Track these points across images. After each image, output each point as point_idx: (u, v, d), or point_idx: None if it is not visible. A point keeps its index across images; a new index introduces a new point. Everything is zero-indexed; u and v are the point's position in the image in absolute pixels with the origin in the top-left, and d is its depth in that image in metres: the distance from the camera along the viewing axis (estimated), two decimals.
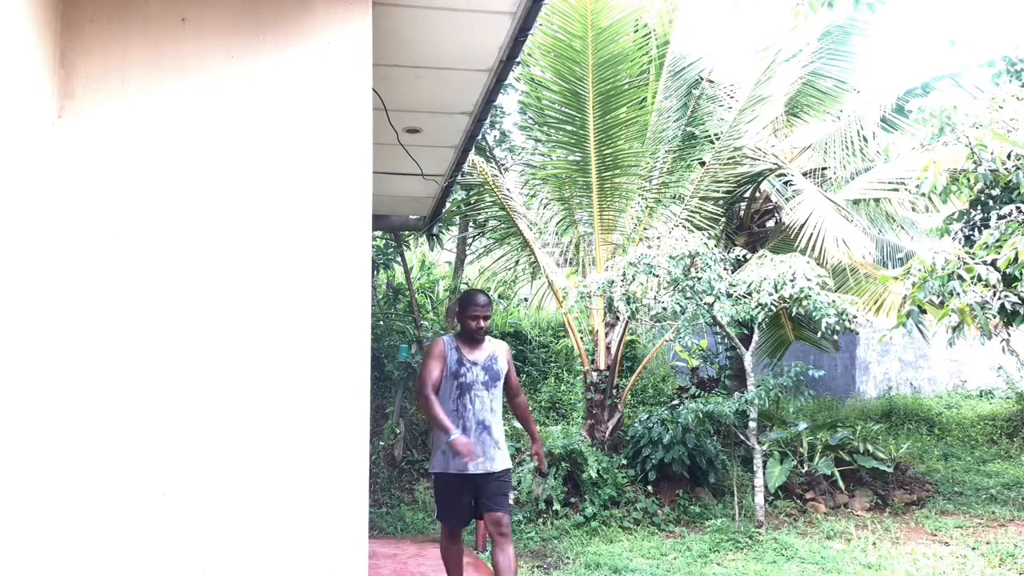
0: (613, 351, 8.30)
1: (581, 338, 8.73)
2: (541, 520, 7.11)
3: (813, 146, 9.35)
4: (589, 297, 7.28)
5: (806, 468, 8.02)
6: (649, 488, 7.57)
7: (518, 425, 7.01)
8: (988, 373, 11.63)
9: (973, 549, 6.36)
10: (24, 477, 2.46)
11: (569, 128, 7.89)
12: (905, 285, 5.74)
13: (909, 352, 12.27)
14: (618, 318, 8.05)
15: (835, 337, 7.55)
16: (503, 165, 10.74)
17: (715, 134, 8.48)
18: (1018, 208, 5.50)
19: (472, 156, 7.25)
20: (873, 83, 10.57)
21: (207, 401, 2.66)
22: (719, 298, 6.58)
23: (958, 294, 5.21)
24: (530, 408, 4.62)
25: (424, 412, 4.16)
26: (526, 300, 11.08)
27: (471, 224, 10.01)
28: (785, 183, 8.68)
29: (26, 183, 2.47)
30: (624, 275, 6.69)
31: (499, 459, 4.15)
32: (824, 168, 9.23)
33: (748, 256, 7.11)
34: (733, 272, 6.94)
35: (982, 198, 6.04)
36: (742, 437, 7.18)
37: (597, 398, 8.19)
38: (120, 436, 2.62)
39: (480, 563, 5.25)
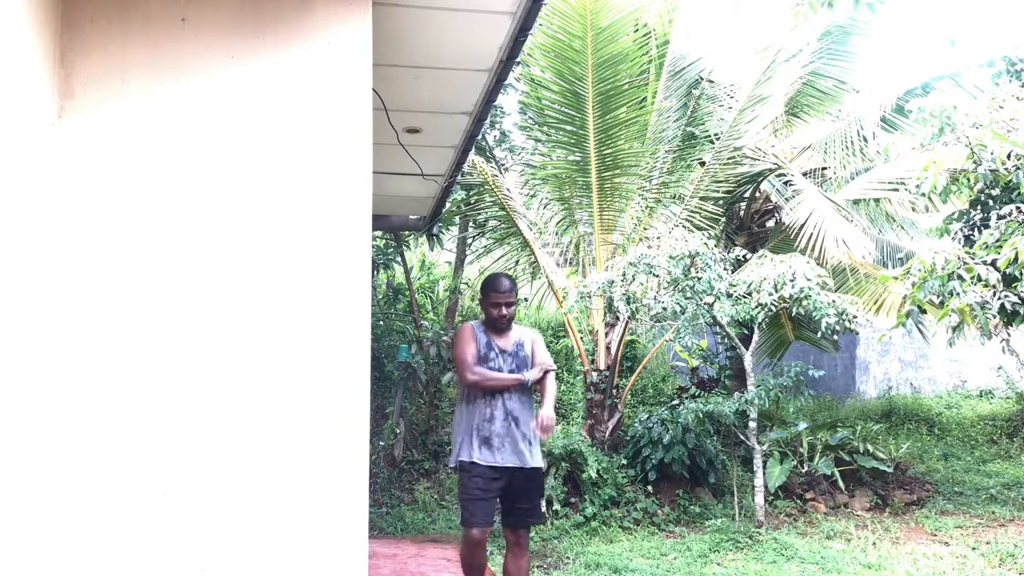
0: (613, 351, 8.30)
1: (581, 338, 8.73)
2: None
3: (813, 146, 9.36)
4: (589, 297, 7.28)
5: (806, 468, 8.02)
6: (649, 488, 7.57)
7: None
8: (988, 373, 11.63)
9: (973, 549, 6.36)
10: (25, 477, 2.46)
11: (569, 128, 7.89)
12: (905, 285, 5.74)
13: (909, 352, 12.27)
14: (618, 318, 8.05)
15: (835, 337, 7.54)
16: (503, 165, 10.73)
17: (715, 134, 8.48)
18: (1018, 208, 5.50)
19: (472, 156, 7.25)
20: (873, 83, 10.58)
21: (207, 401, 2.66)
22: (719, 298, 6.57)
23: (958, 294, 5.21)
24: (557, 387, 4.38)
25: (478, 385, 3.86)
26: (526, 300, 11.07)
27: (471, 224, 10.01)
28: (785, 183, 8.68)
29: (26, 183, 2.47)
30: (624, 275, 6.68)
31: (531, 456, 3.89)
32: (824, 168, 9.23)
33: (748, 256, 7.11)
34: (733, 272, 6.93)
35: (982, 198, 6.04)
36: (742, 437, 7.18)
37: (597, 398, 8.19)
38: (120, 436, 2.62)
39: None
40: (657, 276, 6.69)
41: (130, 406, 2.63)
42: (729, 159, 8.42)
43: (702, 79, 8.64)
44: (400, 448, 8.51)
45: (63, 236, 2.64)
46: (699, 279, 6.58)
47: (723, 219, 8.92)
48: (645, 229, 8.48)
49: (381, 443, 8.43)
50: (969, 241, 6.06)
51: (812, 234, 7.58)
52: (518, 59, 4.19)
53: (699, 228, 8.27)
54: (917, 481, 8.35)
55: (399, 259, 9.70)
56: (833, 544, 6.59)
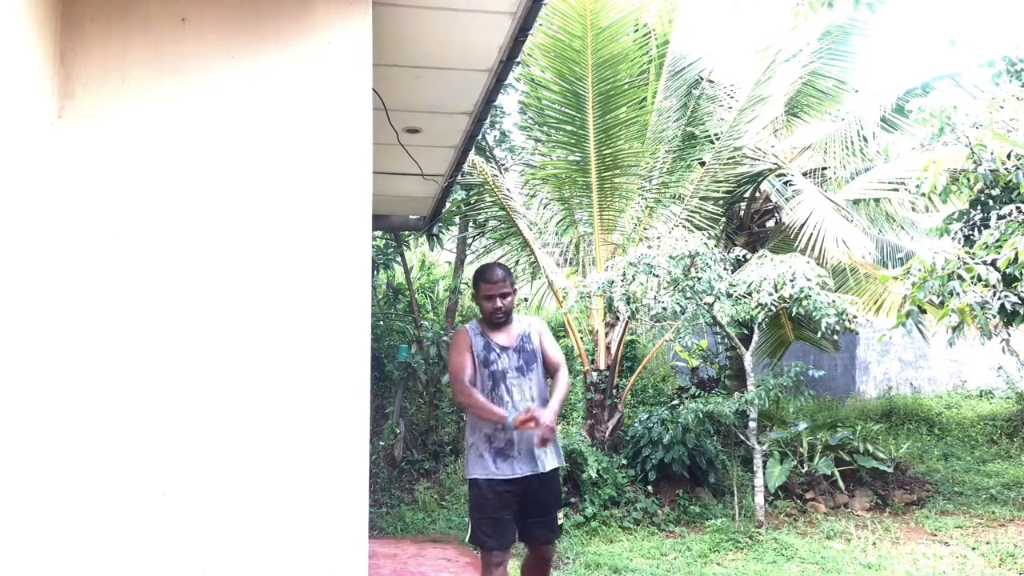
0: (613, 351, 8.30)
1: (581, 338, 8.73)
2: None
3: (813, 146, 9.36)
4: (589, 297, 7.28)
5: (806, 468, 8.02)
6: (649, 488, 7.57)
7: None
8: (988, 373, 11.63)
9: (973, 549, 6.36)
10: (25, 477, 2.46)
11: (569, 128, 7.89)
12: (905, 285, 5.74)
13: (909, 352, 12.27)
14: (618, 318, 8.05)
15: (835, 337, 7.54)
16: (503, 165, 10.73)
17: (715, 134, 8.48)
18: (1018, 208, 5.51)
19: (472, 156, 7.25)
20: (873, 83, 10.58)
21: (207, 401, 2.66)
22: (719, 298, 6.57)
23: (958, 294, 5.21)
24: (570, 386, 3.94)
25: (466, 407, 3.61)
26: (526, 300, 11.08)
27: (471, 224, 10.01)
28: (785, 183, 8.68)
29: (26, 183, 2.47)
30: (624, 275, 6.68)
31: (547, 459, 3.60)
32: (824, 168, 9.24)
33: (748, 256, 7.11)
34: (733, 272, 6.93)
35: (982, 198, 6.05)
36: (742, 437, 7.18)
37: (597, 398, 8.19)
38: (120, 437, 2.62)
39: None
40: (657, 276, 6.69)
41: (130, 406, 2.63)
42: (729, 159, 8.42)
43: (702, 79, 8.64)
44: (400, 448, 8.51)
45: (63, 236, 2.64)
46: (699, 279, 6.58)
47: (723, 219, 8.92)
48: (645, 229, 8.48)
49: (381, 443, 8.43)
50: (969, 241, 6.06)
51: (812, 234, 7.58)
52: (518, 59, 4.19)
53: (699, 228, 8.27)
54: (917, 481, 8.35)
55: (399, 259, 9.70)
56: (833, 544, 6.58)
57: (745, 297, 6.67)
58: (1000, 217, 5.63)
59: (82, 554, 2.57)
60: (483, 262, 10.79)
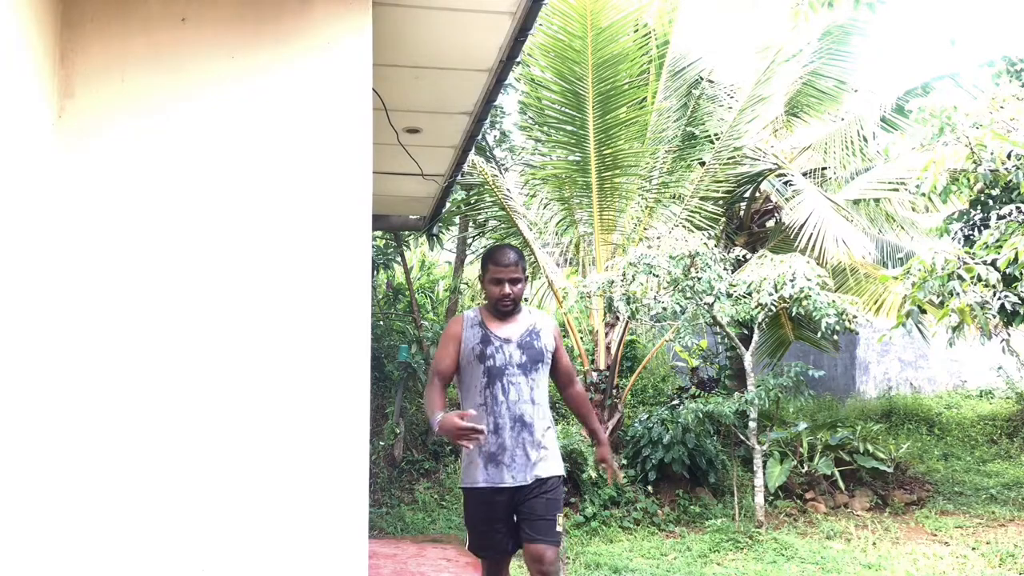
0: (613, 351, 8.30)
1: (581, 338, 8.73)
2: None
3: (813, 146, 9.36)
4: (589, 297, 7.28)
5: (806, 468, 8.02)
6: (649, 488, 7.57)
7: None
8: (988, 373, 11.62)
9: (973, 549, 6.36)
10: (25, 477, 2.46)
11: (569, 128, 7.89)
12: (905, 285, 5.74)
13: (909, 352, 12.26)
14: (618, 318, 8.05)
15: (835, 337, 7.55)
16: (503, 165, 10.74)
17: (715, 134, 8.48)
18: (1018, 208, 5.51)
19: (472, 156, 7.25)
20: (873, 83, 10.58)
21: (207, 401, 2.66)
22: (719, 298, 6.57)
23: (958, 294, 5.21)
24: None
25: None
26: (526, 300, 11.08)
27: (471, 224, 10.01)
28: (785, 183, 8.68)
29: (27, 183, 2.47)
30: (624, 275, 6.68)
31: (544, 465, 3.23)
32: (824, 168, 9.24)
33: (748, 256, 7.11)
34: (733, 272, 6.93)
35: (982, 198, 6.05)
36: (742, 437, 7.18)
37: (597, 398, 8.19)
38: (121, 437, 2.61)
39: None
40: (657, 276, 6.69)
41: (130, 406, 2.63)
42: (729, 159, 8.42)
43: (702, 79, 8.64)
44: (400, 448, 8.51)
45: (64, 235, 2.64)
46: (699, 279, 6.58)
47: (723, 219, 8.92)
48: (645, 229, 8.48)
49: (381, 443, 8.43)
50: (969, 241, 6.06)
51: (812, 234, 7.58)
52: (518, 59, 4.18)
53: (699, 228, 8.27)
54: (917, 481, 8.35)
55: (399, 259, 9.69)
56: (833, 544, 6.58)
57: (745, 297, 6.67)
58: (1000, 217, 5.63)
59: (82, 554, 2.57)
60: None
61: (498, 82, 4.03)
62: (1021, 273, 5.00)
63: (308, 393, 2.71)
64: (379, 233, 9.14)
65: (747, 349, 7.12)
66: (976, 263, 5.24)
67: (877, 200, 9.03)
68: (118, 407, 2.62)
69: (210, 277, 2.70)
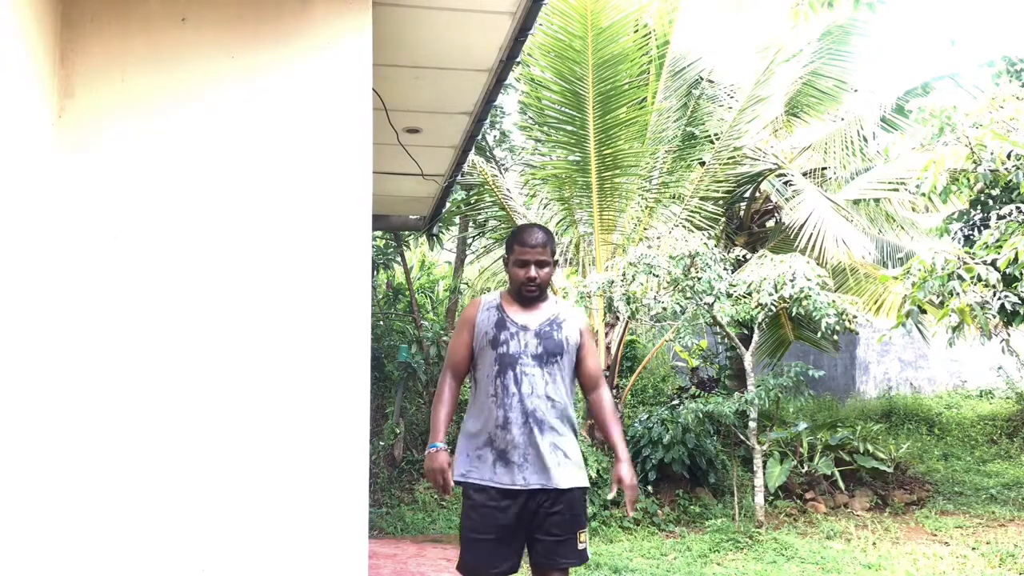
0: (613, 351, 8.30)
1: None
2: None
3: (813, 146, 9.36)
4: (589, 297, 7.28)
5: (806, 468, 8.02)
6: (649, 488, 7.57)
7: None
8: (988, 373, 11.62)
9: (973, 549, 6.36)
10: (27, 477, 2.46)
11: (569, 128, 7.88)
12: (905, 285, 5.74)
13: (909, 352, 12.27)
14: (618, 318, 8.05)
15: (835, 337, 7.55)
16: (503, 165, 10.74)
17: (715, 134, 8.48)
18: (1018, 208, 5.51)
19: (472, 156, 7.25)
20: (873, 83, 10.59)
21: (208, 401, 2.66)
22: (719, 298, 6.57)
23: (958, 294, 5.22)
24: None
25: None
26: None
27: (471, 224, 10.02)
28: (785, 183, 8.68)
29: (27, 183, 2.47)
30: (624, 275, 6.68)
31: (564, 473, 2.81)
32: (824, 168, 9.24)
33: (748, 256, 7.11)
34: (733, 272, 6.94)
35: (982, 198, 6.05)
36: (742, 437, 7.18)
37: None
38: (121, 438, 2.61)
39: None
40: (657, 276, 6.69)
41: (130, 407, 2.63)
42: (729, 159, 8.42)
43: (702, 79, 8.64)
44: (400, 448, 8.51)
45: (64, 235, 2.64)
46: (699, 279, 6.58)
47: (723, 219, 8.92)
48: (645, 229, 8.48)
49: (381, 443, 8.43)
50: (969, 241, 6.07)
51: (812, 234, 7.58)
52: (518, 59, 4.19)
53: (699, 228, 8.27)
54: (917, 481, 8.35)
55: (399, 259, 9.70)
56: (833, 544, 6.58)
57: (745, 297, 6.67)
58: (1000, 217, 5.63)
59: (83, 554, 2.57)
60: (483, 262, 10.82)
61: (498, 82, 4.03)
62: (1021, 273, 5.00)
63: (308, 393, 2.71)
64: (379, 233, 9.15)
65: (747, 349, 7.12)
66: (976, 263, 5.24)
67: (877, 200, 9.03)
68: (119, 407, 2.62)
69: (210, 277, 2.70)
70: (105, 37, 2.71)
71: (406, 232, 9.01)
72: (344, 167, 2.80)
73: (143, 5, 2.75)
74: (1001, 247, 5.23)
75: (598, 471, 7.34)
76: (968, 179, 5.93)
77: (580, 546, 2.83)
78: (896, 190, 8.56)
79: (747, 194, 9.10)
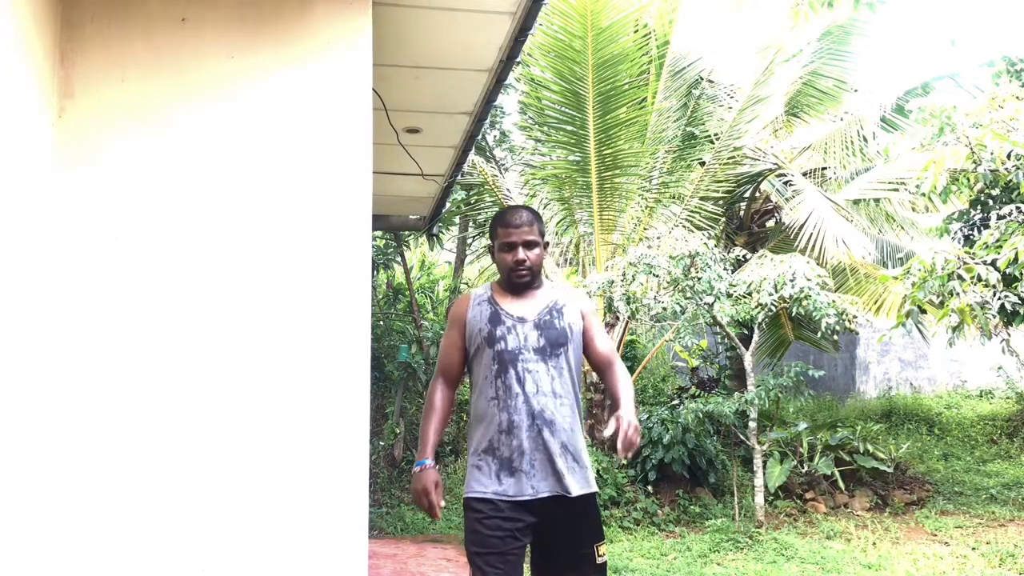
0: None
1: None
2: None
3: (813, 146, 9.37)
4: (589, 297, 7.28)
5: (806, 468, 8.02)
6: (649, 488, 7.57)
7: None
8: (988, 373, 11.62)
9: (973, 549, 6.36)
10: (28, 479, 2.46)
11: (569, 128, 7.89)
12: (905, 285, 5.74)
13: (909, 352, 12.27)
14: (618, 318, 8.05)
15: (835, 337, 7.55)
16: (503, 165, 10.74)
17: (715, 134, 8.48)
18: (1018, 208, 5.51)
19: (472, 156, 7.25)
20: (873, 83, 10.59)
21: (208, 402, 2.66)
22: (719, 298, 6.58)
23: (958, 294, 5.21)
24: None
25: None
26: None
27: (471, 224, 10.02)
28: (785, 183, 8.68)
29: (26, 183, 2.47)
30: (624, 275, 6.69)
31: (576, 478, 2.54)
32: (824, 168, 9.24)
33: (748, 256, 7.12)
34: (733, 272, 6.94)
35: (982, 198, 6.06)
36: (742, 437, 7.18)
37: (597, 398, 8.19)
38: (121, 437, 2.61)
39: None
40: (657, 276, 6.70)
41: (131, 407, 2.63)
42: (729, 159, 8.43)
43: (702, 79, 8.64)
44: (400, 448, 8.51)
45: (63, 236, 2.64)
46: (699, 279, 6.58)
47: (723, 219, 8.93)
48: (645, 229, 8.49)
49: (381, 443, 8.43)
50: (969, 241, 6.07)
51: (812, 234, 7.58)
52: (518, 59, 4.19)
53: (699, 228, 8.27)
54: (917, 481, 8.35)
55: (399, 259, 9.70)
56: (833, 544, 6.58)
57: (745, 297, 6.68)
58: (1000, 217, 5.63)
59: (83, 554, 2.57)
60: (483, 262, 10.82)
61: (498, 82, 4.03)
62: (1021, 273, 5.00)
63: (308, 393, 2.71)
64: (379, 233, 9.15)
65: (747, 349, 7.12)
66: (976, 263, 5.24)
67: (877, 200, 9.03)
68: (120, 407, 2.62)
69: (210, 278, 2.70)
70: (105, 38, 2.71)
71: (406, 232, 9.01)
72: (344, 167, 2.80)
73: (143, 6, 2.75)
74: (1001, 247, 5.23)
75: (598, 471, 7.34)
76: (968, 179, 5.93)
77: (599, 559, 2.54)
78: (896, 190, 8.56)
79: (747, 194, 9.10)
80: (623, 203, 8.32)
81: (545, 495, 2.51)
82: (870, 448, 8.21)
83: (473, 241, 10.48)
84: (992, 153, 5.72)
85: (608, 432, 2.47)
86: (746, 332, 7.69)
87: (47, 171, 2.61)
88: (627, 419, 2.44)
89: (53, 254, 2.62)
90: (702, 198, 8.48)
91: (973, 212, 6.18)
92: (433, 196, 6.43)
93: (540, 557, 2.59)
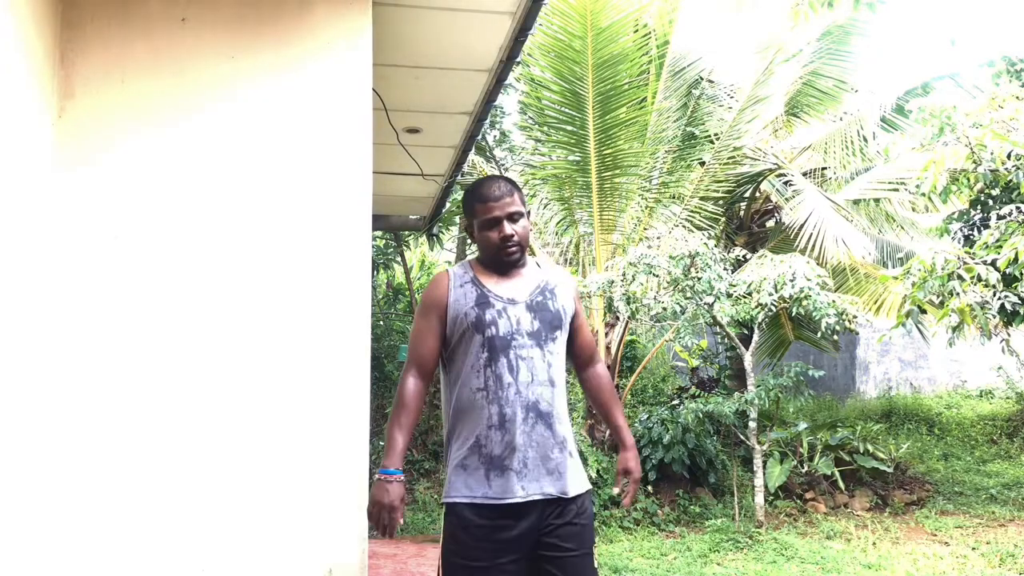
0: (613, 351, 8.30)
1: None
2: None
3: (813, 146, 9.37)
4: (589, 297, 7.28)
5: (806, 468, 8.02)
6: (649, 488, 7.57)
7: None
8: (988, 373, 11.63)
9: (973, 549, 6.36)
10: (29, 479, 2.46)
11: (569, 128, 7.89)
12: (905, 285, 5.74)
13: (909, 352, 12.27)
14: (618, 318, 8.05)
15: (835, 337, 7.55)
16: (503, 165, 10.74)
17: (715, 134, 8.48)
18: (1018, 208, 5.51)
19: (472, 156, 7.26)
20: (873, 83, 10.59)
21: (208, 402, 2.66)
22: (719, 298, 6.57)
23: (958, 294, 5.22)
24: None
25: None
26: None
27: None
28: (785, 183, 8.69)
29: (26, 184, 2.47)
30: (624, 275, 6.69)
31: (571, 477, 2.31)
32: (824, 168, 9.25)
33: (748, 256, 7.11)
34: (733, 272, 6.94)
35: (982, 198, 6.06)
36: (742, 437, 7.18)
37: None
38: (121, 437, 2.62)
39: None
40: (657, 276, 6.70)
41: (131, 407, 2.63)
42: (729, 159, 8.43)
43: (702, 79, 8.64)
44: None
45: (63, 236, 2.64)
46: (699, 279, 6.58)
47: (723, 219, 8.93)
48: (645, 229, 8.49)
49: (381, 443, 8.42)
50: (969, 241, 6.07)
51: (812, 234, 7.58)
52: (518, 59, 4.19)
53: (699, 228, 8.27)
54: (917, 481, 8.35)
55: (399, 259, 9.70)
56: (833, 544, 6.58)
57: (745, 297, 6.67)
58: (1000, 217, 5.64)
59: (83, 554, 2.57)
60: None
61: (498, 82, 4.04)
62: (1021, 273, 5.00)
63: (309, 393, 2.72)
64: (379, 233, 9.15)
65: (747, 349, 7.12)
66: (976, 263, 5.24)
67: (877, 200, 9.03)
68: (120, 407, 2.62)
69: (210, 278, 2.71)
70: (105, 38, 2.72)
71: (406, 232, 9.02)
72: (344, 167, 2.81)
73: (143, 6, 2.75)
74: (1001, 247, 5.23)
75: (598, 471, 7.34)
76: (968, 179, 5.93)
77: (595, 565, 2.33)
78: (896, 190, 8.56)
79: (747, 194, 9.10)
80: (623, 203, 8.32)
81: (536, 497, 2.25)
82: (870, 448, 8.21)
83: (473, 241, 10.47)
84: (992, 153, 5.72)
85: (616, 490, 2.46)
86: (746, 332, 7.69)
87: (47, 171, 2.61)
88: (636, 472, 2.47)
89: (53, 254, 2.62)
90: (702, 198, 8.48)
91: (973, 212, 6.19)
92: (433, 196, 6.44)
93: (533, 567, 2.28)
